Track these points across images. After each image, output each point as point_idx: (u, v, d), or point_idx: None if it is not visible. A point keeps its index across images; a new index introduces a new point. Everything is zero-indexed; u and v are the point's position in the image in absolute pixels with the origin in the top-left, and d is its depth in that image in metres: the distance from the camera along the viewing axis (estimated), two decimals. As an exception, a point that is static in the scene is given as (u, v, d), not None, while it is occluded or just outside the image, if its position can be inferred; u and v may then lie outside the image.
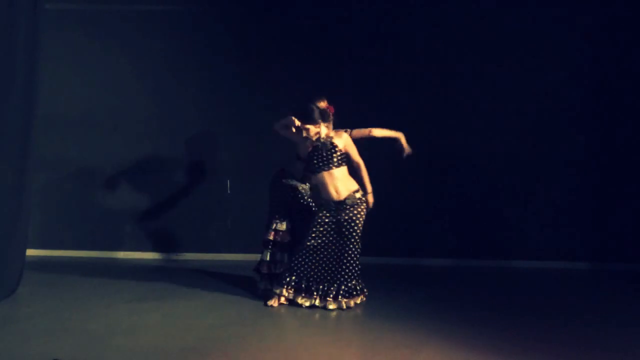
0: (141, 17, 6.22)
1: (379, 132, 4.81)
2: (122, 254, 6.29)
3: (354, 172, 4.60)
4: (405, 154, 4.87)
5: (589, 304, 4.80)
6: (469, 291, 5.17)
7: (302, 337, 3.98)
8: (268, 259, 4.82)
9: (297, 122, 4.52)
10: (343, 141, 4.56)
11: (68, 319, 4.14)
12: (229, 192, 6.25)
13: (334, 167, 4.50)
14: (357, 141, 4.65)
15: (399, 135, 4.86)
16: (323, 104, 4.69)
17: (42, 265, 5.76)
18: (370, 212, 4.61)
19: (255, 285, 4.94)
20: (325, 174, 4.51)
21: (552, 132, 6.13)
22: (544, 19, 6.07)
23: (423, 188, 6.16)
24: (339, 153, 4.51)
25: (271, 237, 4.84)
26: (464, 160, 6.15)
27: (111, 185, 6.25)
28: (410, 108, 5.99)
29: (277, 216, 4.87)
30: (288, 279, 4.55)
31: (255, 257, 5.09)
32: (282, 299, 4.56)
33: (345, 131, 4.66)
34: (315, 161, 4.54)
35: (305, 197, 4.92)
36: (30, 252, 5.32)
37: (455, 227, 6.20)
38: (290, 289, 4.55)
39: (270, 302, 4.54)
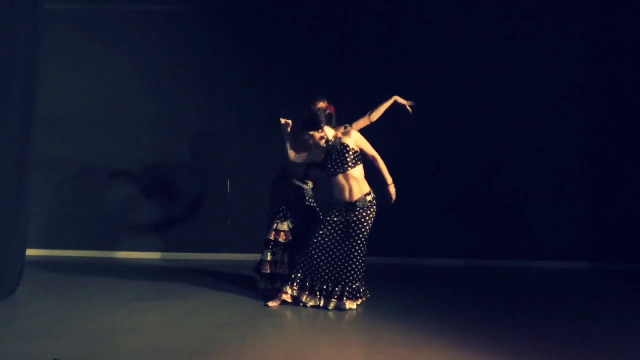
0: (141, 17, 6.21)
1: (377, 113, 4.80)
2: (122, 254, 6.29)
3: (372, 166, 4.53)
4: (410, 108, 4.85)
5: (589, 304, 4.80)
6: (469, 291, 5.17)
7: (302, 337, 3.99)
8: (269, 258, 4.82)
9: (283, 120, 4.50)
10: (353, 139, 4.45)
11: (68, 319, 4.15)
12: (229, 192, 6.25)
13: (350, 169, 4.41)
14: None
15: (394, 99, 4.84)
16: (323, 105, 4.56)
17: (42, 265, 5.76)
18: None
19: (255, 285, 4.94)
20: (342, 177, 4.43)
21: (551, 132, 6.13)
22: (544, 20, 6.07)
23: (423, 188, 6.16)
24: (351, 152, 4.41)
25: (272, 237, 4.84)
26: (464, 160, 6.15)
27: (111, 185, 6.24)
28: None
29: (278, 216, 4.87)
30: (294, 277, 4.56)
31: (255, 257, 5.10)
32: (288, 297, 4.55)
33: (345, 127, 4.56)
34: (329, 165, 4.46)
35: (308, 198, 4.92)
36: (30, 252, 5.33)
37: (455, 227, 6.19)
38: (296, 287, 4.55)
39: (270, 303, 4.54)
